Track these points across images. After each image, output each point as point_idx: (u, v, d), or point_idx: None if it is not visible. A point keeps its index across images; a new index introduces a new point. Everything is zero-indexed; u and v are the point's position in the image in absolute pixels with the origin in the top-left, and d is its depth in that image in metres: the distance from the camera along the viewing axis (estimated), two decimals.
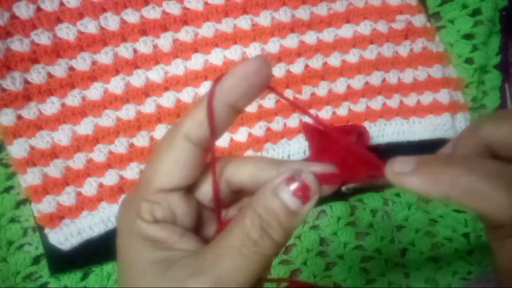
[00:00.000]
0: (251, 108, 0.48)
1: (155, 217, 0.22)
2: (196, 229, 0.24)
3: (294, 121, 0.50)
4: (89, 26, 0.44)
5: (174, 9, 0.46)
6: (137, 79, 0.46)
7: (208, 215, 0.25)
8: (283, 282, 0.41)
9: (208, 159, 0.23)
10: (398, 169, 0.21)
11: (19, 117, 0.43)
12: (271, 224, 0.21)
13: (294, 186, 0.21)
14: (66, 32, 0.43)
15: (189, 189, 0.24)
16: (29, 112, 0.43)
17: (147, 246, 0.22)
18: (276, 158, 0.49)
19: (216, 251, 0.21)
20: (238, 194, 0.25)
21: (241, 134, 0.48)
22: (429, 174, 0.20)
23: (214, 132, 0.21)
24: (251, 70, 0.21)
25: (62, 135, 0.44)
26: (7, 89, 0.42)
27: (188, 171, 0.22)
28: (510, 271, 0.22)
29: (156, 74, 0.46)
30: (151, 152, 0.21)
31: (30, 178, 0.43)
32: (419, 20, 0.51)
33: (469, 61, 0.53)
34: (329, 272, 0.50)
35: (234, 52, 0.47)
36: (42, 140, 0.44)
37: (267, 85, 0.22)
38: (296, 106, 0.29)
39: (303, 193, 0.21)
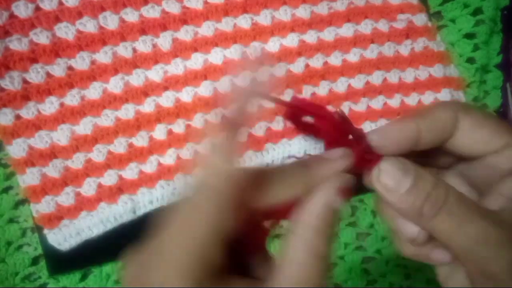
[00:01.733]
0: (251, 108, 0.48)
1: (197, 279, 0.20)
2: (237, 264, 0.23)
3: None
4: (88, 25, 0.44)
5: (174, 8, 0.46)
6: (137, 78, 0.45)
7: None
8: None
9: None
10: (388, 184, 0.22)
11: (18, 117, 0.43)
12: (330, 234, 0.21)
13: (341, 191, 0.22)
14: (65, 31, 0.43)
15: None
16: (28, 112, 0.43)
17: None
18: (291, 164, 0.49)
19: (289, 277, 0.21)
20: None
21: (241, 134, 0.48)
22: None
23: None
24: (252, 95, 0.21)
25: (61, 135, 0.44)
26: (5, 89, 0.42)
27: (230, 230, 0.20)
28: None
29: (155, 74, 0.46)
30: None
31: (29, 178, 0.43)
32: (420, 19, 0.51)
33: (470, 60, 0.53)
34: (330, 273, 0.50)
35: (234, 52, 0.47)
36: (41, 140, 0.43)
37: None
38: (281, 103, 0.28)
39: (348, 196, 0.22)
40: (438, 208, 0.22)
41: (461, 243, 0.22)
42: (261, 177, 0.22)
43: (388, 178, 0.22)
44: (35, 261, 0.45)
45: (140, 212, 0.46)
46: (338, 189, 0.22)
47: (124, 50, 0.45)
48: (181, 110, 0.46)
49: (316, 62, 0.49)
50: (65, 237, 0.44)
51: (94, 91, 0.44)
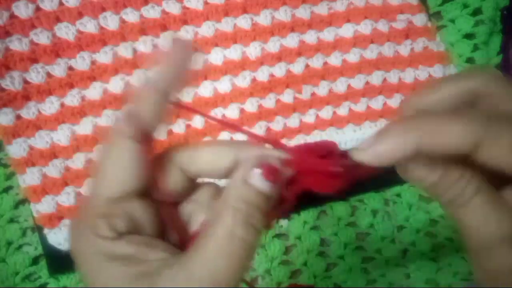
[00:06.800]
0: (251, 108, 0.48)
1: (117, 231, 0.20)
2: (160, 232, 0.23)
3: (294, 121, 0.49)
4: (89, 25, 0.44)
5: (174, 9, 0.46)
6: (137, 79, 0.45)
7: (169, 214, 0.24)
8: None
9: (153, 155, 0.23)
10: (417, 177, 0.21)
11: (18, 117, 0.43)
12: (254, 215, 0.21)
13: (263, 170, 0.21)
14: (65, 31, 0.43)
15: (145, 192, 0.22)
16: (28, 112, 0.43)
17: (118, 266, 0.20)
18: (230, 140, 0.48)
19: (204, 256, 0.20)
20: (193, 183, 0.24)
21: (241, 134, 0.48)
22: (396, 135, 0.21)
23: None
24: (180, 56, 0.22)
25: (62, 135, 0.44)
26: (6, 89, 0.42)
27: (137, 170, 0.21)
28: (481, 236, 0.21)
29: None
30: (95, 166, 0.22)
31: (29, 178, 0.43)
32: (420, 20, 0.51)
33: (470, 60, 0.53)
34: (330, 273, 0.50)
35: (234, 52, 0.47)
36: (41, 140, 0.43)
37: (175, 102, 0.22)
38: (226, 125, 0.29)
39: (273, 175, 0.21)
40: (465, 202, 0.21)
41: (482, 238, 0.21)
42: (192, 145, 0.24)
43: (416, 173, 0.21)
44: (35, 260, 0.45)
45: None
46: (259, 165, 0.21)
47: (124, 50, 0.45)
48: (181, 110, 0.46)
49: (316, 62, 0.50)
50: (65, 236, 0.44)
51: (94, 91, 0.44)
